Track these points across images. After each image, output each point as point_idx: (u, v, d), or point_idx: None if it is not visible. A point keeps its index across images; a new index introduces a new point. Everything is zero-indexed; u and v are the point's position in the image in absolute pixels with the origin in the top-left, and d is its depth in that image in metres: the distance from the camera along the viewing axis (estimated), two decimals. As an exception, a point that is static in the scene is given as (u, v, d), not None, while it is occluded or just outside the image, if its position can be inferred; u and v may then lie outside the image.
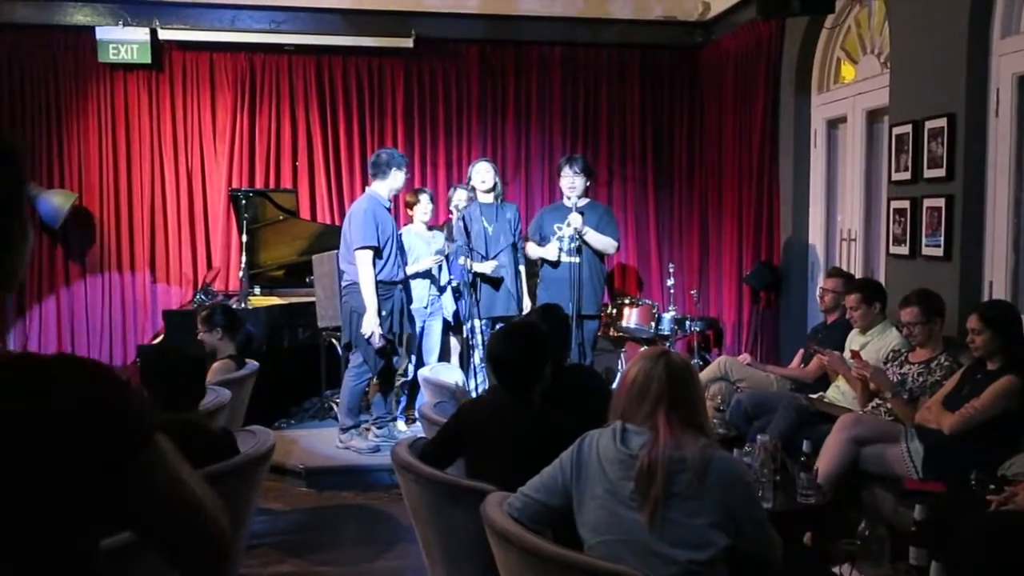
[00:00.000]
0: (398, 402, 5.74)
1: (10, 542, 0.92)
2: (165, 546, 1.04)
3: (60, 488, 0.93)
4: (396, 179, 5.17)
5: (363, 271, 4.97)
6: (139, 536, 1.03)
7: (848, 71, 5.77)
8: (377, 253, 5.01)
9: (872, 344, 4.42)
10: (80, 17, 6.61)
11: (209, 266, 6.93)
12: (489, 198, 5.41)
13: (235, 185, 6.81)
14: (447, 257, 5.59)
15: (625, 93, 7.33)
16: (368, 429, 5.41)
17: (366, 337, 5.01)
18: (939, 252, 4.38)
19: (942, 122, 4.32)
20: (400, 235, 5.69)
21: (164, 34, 6.63)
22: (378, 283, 5.03)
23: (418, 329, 5.63)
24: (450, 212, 6.01)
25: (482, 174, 5.40)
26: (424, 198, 5.70)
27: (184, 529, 1.04)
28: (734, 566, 2.09)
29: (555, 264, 5.24)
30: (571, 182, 5.29)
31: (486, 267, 5.25)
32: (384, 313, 5.05)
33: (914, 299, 4.01)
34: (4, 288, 0.99)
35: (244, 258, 6.13)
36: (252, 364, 4.66)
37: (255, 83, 6.94)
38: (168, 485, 1.02)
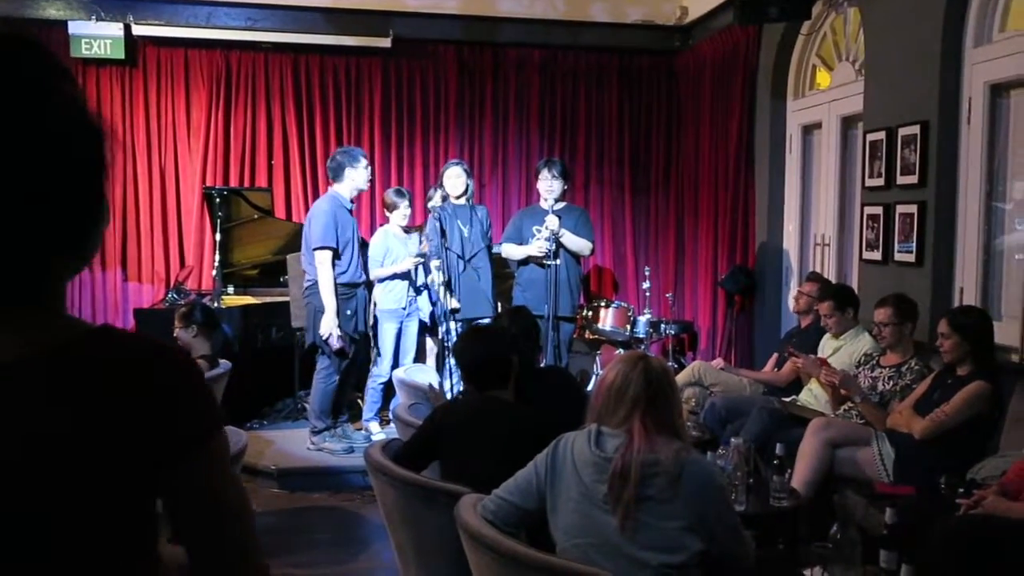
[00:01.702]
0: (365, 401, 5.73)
1: (87, 517, 0.90)
2: (203, 555, 0.99)
3: (141, 466, 0.92)
4: (353, 178, 5.17)
5: (322, 271, 5.00)
6: (181, 533, 1.00)
7: (823, 77, 5.83)
8: (335, 254, 5.01)
9: (845, 348, 4.46)
10: (52, 11, 6.51)
11: (182, 264, 6.86)
12: (461, 200, 5.40)
13: (209, 183, 6.74)
14: (424, 256, 5.57)
15: (603, 96, 7.35)
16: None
17: (324, 338, 5.02)
18: (911, 258, 4.43)
19: (915, 129, 4.37)
20: (375, 236, 5.68)
21: (138, 29, 6.55)
22: (341, 285, 5.05)
23: (395, 330, 5.61)
24: (428, 212, 5.98)
25: (453, 179, 5.37)
26: (404, 203, 5.67)
27: (228, 538, 0.99)
28: (707, 570, 2.09)
29: (542, 262, 5.21)
30: (549, 185, 5.29)
31: (455, 303, 5.20)
32: (349, 312, 5.07)
33: (891, 300, 4.07)
34: (79, 269, 0.97)
35: (217, 257, 6.07)
36: (225, 364, 4.62)
37: (231, 81, 6.87)
38: (223, 483, 0.99)
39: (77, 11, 6.51)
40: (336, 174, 5.19)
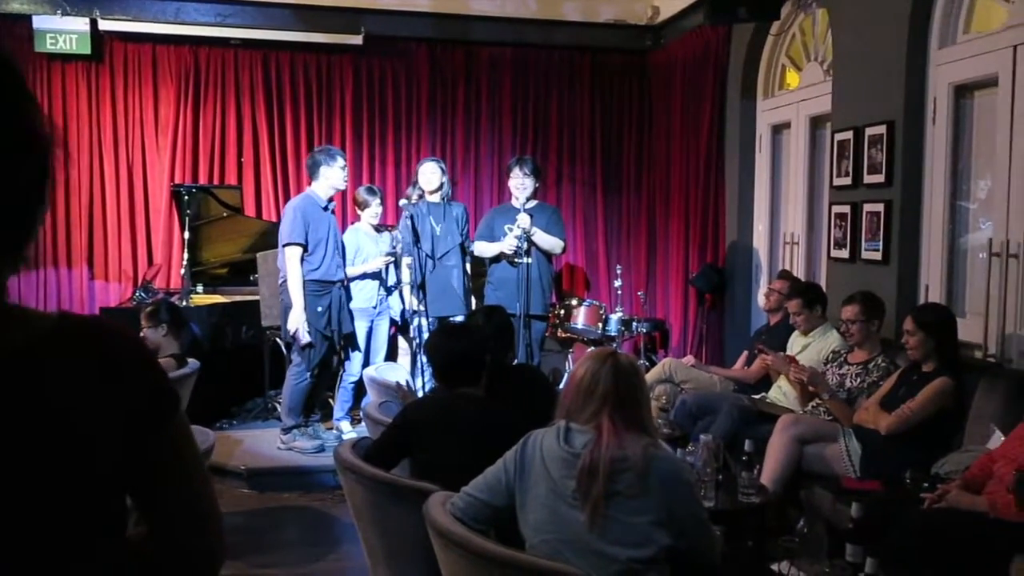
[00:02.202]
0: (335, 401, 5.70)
1: (59, 496, 0.94)
2: (163, 531, 1.04)
3: (112, 442, 0.97)
4: (328, 176, 5.16)
5: (289, 267, 5.02)
6: (141, 508, 1.05)
7: (792, 78, 5.88)
8: (305, 250, 5.03)
9: (813, 345, 4.50)
10: (16, 5, 6.40)
11: (150, 262, 6.78)
12: (436, 197, 5.38)
13: (178, 180, 6.67)
14: (395, 256, 5.56)
15: (575, 95, 7.37)
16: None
17: (291, 333, 5.03)
18: (878, 256, 4.48)
19: (882, 129, 4.42)
20: (346, 234, 5.65)
21: (105, 24, 6.46)
22: (314, 282, 5.05)
23: (366, 329, 5.59)
24: (399, 210, 5.96)
25: (428, 175, 5.36)
26: (375, 201, 5.65)
27: (186, 512, 1.05)
28: (675, 564, 2.10)
29: (513, 260, 5.21)
30: (520, 183, 5.29)
31: (417, 305, 5.19)
32: (320, 309, 5.07)
33: (858, 297, 4.12)
34: (16, 269, 1.00)
35: (186, 255, 6.01)
36: (193, 363, 4.57)
37: (199, 77, 6.80)
38: (186, 458, 1.05)
39: (42, 5, 6.41)
40: (312, 172, 5.20)
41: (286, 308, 5.11)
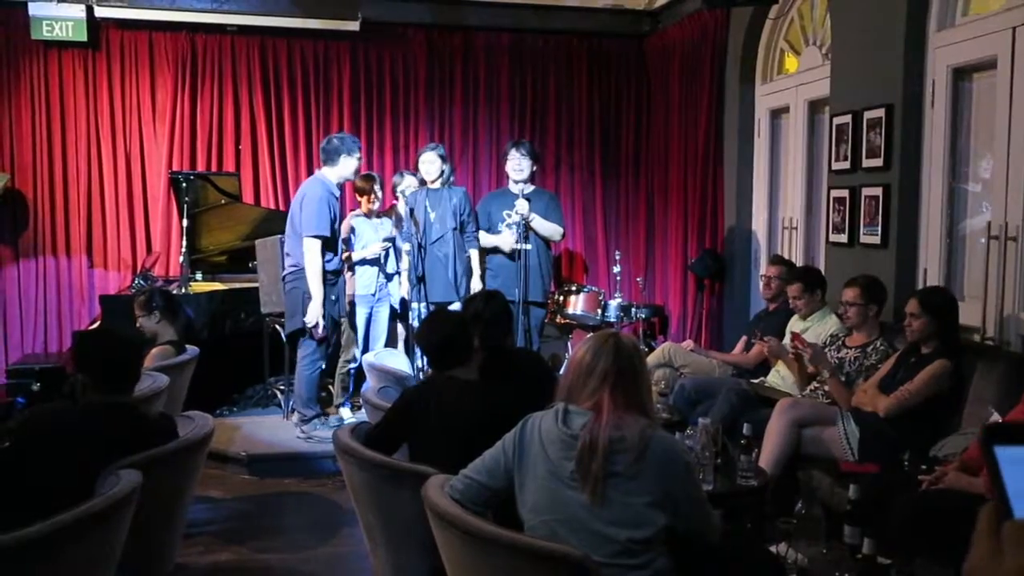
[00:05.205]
0: (345, 389, 5.70)
1: None
2: None
3: None
4: (346, 166, 5.10)
5: (311, 259, 4.91)
6: None
7: (791, 62, 5.86)
8: (327, 244, 4.96)
9: (812, 329, 4.51)
10: (12, -8, 6.38)
11: (148, 250, 6.78)
12: (436, 184, 5.36)
13: (176, 168, 6.66)
14: (392, 241, 5.55)
15: (573, 80, 7.35)
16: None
17: (310, 327, 4.97)
18: (876, 240, 4.48)
19: (880, 113, 4.41)
20: (345, 220, 5.65)
21: (101, 11, 6.43)
22: (330, 272, 5.02)
23: (366, 315, 5.59)
24: (395, 198, 5.96)
25: (427, 165, 5.33)
26: (375, 187, 5.64)
27: None
28: (673, 544, 2.11)
29: (511, 254, 5.21)
30: (518, 164, 5.28)
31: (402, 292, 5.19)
32: (333, 298, 5.06)
33: (860, 280, 4.11)
34: None
35: (185, 243, 6.00)
36: (192, 350, 4.58)
37: (196, 64, 6.79)
38: None
39: (38, -8, 6.38)
40: (332, 158, 5.08)
41: (303, 295, 4.99)
